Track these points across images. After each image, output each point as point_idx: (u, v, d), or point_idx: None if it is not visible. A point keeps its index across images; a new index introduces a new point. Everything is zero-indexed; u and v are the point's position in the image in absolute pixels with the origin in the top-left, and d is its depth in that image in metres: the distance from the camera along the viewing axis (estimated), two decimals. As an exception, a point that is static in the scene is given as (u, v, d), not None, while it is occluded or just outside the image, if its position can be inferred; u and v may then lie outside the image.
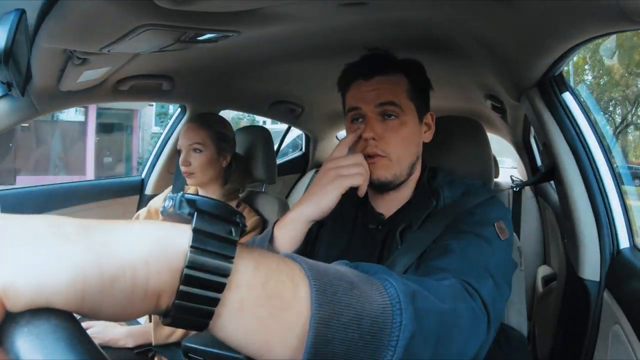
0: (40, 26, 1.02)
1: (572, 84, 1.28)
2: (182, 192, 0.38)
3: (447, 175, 1.05)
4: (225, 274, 0.36)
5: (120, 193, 2.13)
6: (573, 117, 1.23)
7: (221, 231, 0.36)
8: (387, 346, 0.46)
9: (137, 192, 2.20)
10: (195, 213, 0.36)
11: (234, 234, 0.37)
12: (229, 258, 0.36)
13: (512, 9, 0.95)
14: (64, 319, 0.30)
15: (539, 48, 1.05)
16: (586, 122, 1.24)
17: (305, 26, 1.28)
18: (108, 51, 1.16)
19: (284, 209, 1.71)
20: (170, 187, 1.79)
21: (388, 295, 0.48)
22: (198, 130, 1.59)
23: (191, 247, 0.35)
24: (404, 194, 1.04)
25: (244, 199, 1.77)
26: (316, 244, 1.08)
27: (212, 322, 0.37)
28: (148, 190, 2.20)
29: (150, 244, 0.34)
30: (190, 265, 0.34)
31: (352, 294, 0.44)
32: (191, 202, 0.37)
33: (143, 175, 2.25)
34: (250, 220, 1.60)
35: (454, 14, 1.12)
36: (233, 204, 1.63)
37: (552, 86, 1.24)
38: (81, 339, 0.30)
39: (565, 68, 1.24)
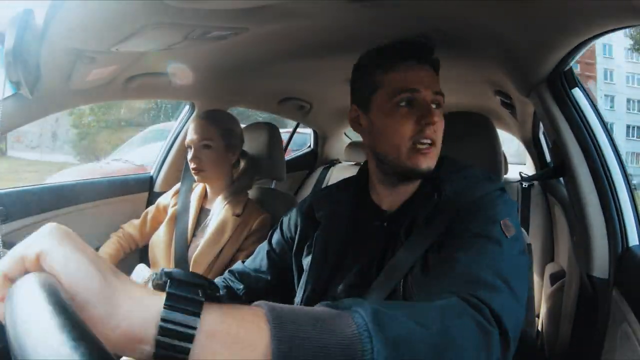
0: (49, 25, 1.02)
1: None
2: (163, 268, 0.48)
3: (451, 165, 1.01)
4: (193, 326, 0.43)
5: (129, 190, 2.13)
6: (582, 113, 1.22)
7: (189, 293, 0.45)
8: None
9: (146, 189, 2.21)
10: (169, 280, 0.45)
11: (200, 295, 0.45)
12: (196, 313, 0.43)
13: (522, 4, 0.95)
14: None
15: (549, 43, 1.04)
16: (595, 118, 1.23)
17: (314, 23, 1.28)
18: (117, 49, 1.17)
19: (292, 205, 1.70)
20: (179, 184, 1.80)
21: (355, 324, 0.51)
22: (207, 127, 1.61)
23: (164, 305, 0.43)
24: (413, 186, 1.01)
25: (252, 196, 1.77)
26: (311, 246, 1.04)
27: None
28: (157, 188, 2.21)
29: (139, 305, 0.44)
30: (164, 319, 0.42)
31: (316, 328, 0.48)
32: (168, 274, 0.46)
33: (152, 173, 2.26)
34: (258, 219, 1.60)
35: (463, 9, 1.11)
36: (241, 201, 1.63)
37: (561, 82, 1.23)
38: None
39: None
